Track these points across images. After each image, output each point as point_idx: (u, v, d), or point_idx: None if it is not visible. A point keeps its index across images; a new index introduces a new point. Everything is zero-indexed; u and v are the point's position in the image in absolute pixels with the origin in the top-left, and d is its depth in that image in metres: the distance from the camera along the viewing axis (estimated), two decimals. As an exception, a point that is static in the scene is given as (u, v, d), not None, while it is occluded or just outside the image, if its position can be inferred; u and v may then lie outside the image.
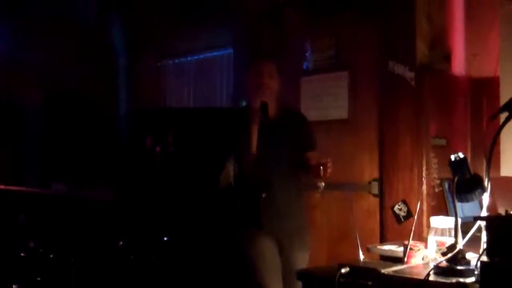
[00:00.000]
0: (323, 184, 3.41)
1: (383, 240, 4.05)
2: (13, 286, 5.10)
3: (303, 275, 3.20)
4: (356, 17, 4.41)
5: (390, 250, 3.19)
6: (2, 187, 6.52)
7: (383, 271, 2.76)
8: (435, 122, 4.08)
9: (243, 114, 3.52)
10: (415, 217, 3.15)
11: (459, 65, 4.21)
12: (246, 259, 3.61)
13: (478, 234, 2.72)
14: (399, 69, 4.06)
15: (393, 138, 4.15)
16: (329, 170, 3.44)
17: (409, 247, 2.98)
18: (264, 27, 5.03)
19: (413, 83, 4.02)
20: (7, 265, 5.31)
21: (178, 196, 3.91)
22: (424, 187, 3.96)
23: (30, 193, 6.21)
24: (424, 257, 3.00)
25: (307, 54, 4.72)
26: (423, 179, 3.99)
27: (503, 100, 3.74)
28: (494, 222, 2.45)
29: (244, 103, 4.91)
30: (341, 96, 4.52)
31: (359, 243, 3.15)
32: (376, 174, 4.31)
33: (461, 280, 2.52)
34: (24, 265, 5.22)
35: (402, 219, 3.84)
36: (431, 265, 2.71)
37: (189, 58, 6.23)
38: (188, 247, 4.09)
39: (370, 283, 2.77)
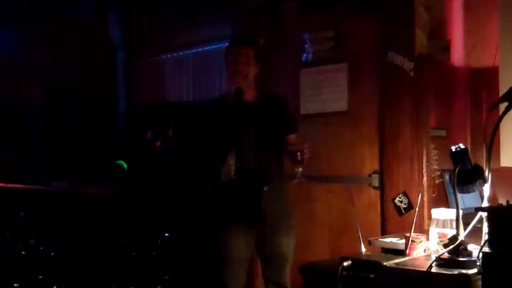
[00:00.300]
0: (301, 169, 3.40)
1: (384, 233, 4.05)
2: (14, 285, 5.09)
3: (305, 268, 3.20)
4: (355, 8, 4.39)
5: (391, 242, 3.19)
6: (2, 185, 6.52)
7: (385, 263, 2.76)
8: (435, 113, 4.07)
9: (242, 107, 3.51)
10: (416, 209, 3.14)
11: (458, 56, 4.20)
12: (213, 252, 3.66)
13: (479, 225, 2.72)
14: (398, 59, 4.04)
15: (393, 129, 4.13)
16: (305, 156, 3.42)
17: (410, 239, 2.98)
18: (263, 19, 5.01)
19: (412, 73, 4.00)
20: (8, 263, 5.30)
21: (179, 191, 3.89)
22: (425, 178, 3.96)
23: (30, 190, 6.20)
24: (426, 249, 3.00)
25: (306, 46, 4.71)
26: (424, 170, 3.98)
27: (503, 90, 3.72)
28: (496, 213, 2.45)
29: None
30: (341, 88, 4.50)
31: (360, 236, 3.15)
32: (376, 167, 4.30)
33: (463, 271, 2.51)
34: (25, 263, 5.22)
35: (403, 211, 3.82)
36: (433, 257, 2.71)
37: (187, 52, 6.20)
38: (190, 243, 4.08)
39: (372, 275, 2.77)
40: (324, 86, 4.63)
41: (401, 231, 3.38)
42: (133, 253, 4.87)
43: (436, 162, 4.03)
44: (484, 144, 3.67)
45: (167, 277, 4.67)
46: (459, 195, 2.75)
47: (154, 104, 4.99)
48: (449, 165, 3.06)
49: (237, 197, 3.44)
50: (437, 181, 4.04)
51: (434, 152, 4.04)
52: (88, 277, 5.03)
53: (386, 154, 4.20)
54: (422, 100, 4.01)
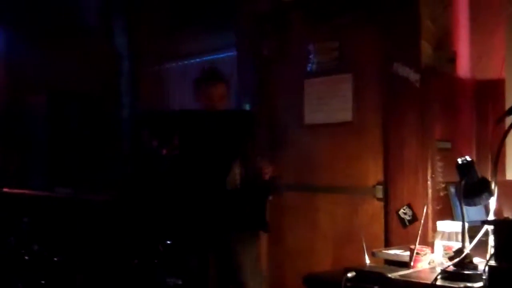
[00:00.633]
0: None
1: (387, 245, 4.02)
2: (17, 290, 5.10)
3: (309, 279, 3.19)
4: (360, 19, 4.38)
5: (395, 254, 3.18)
6: (7, 190, 6.52)
7: (389, 275, 2.74)
8: (440, 124, 4.05)
9: (248, 116, 3.53)
10: (422, 221, 3.13)
11: (464, 67, 4.18)
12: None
13: (484, 239, 2.70)
14: (404, 71, 4.03)
15: (397, 141, 4.12)
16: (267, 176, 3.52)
17: (415, 251, 2.97)
18: (267, 29, 5.01)
19: (418, 85, 3.99)
20: (11, 268, 5.31)
21: (183, 199, 3.90)
22: (430, 191, 3.93)
23: (34, 196, 6.20)
24: (430, 261, 2.99)
25: (310, 56, 4.70)
26: (428, 182, 3.96)
27: (509, 102, 3.73)
28: (502, 226, 2.44)
29: (247, 106, 4.93)
30: (345, 99, 4.49)
31: (365, 248, 3.13)
32: (380, 178, 4.28)
33: (469, 284, 2.50)
34: (28, 268, 5.22)
35: (407, 223, 3.80)
36: (438, 270, 2.70)
37: (191, 61, 6.21)
38: (192, 250, 4.08)
39: (376, 287, 2.76)
40: (328, 96, 4.62)
41: (405, 243, 3.37)
42: (135, 260, 4.87)
43: (441, 174, 4.01)
44: (489, 157, 3.69)
45: (169, 284, 4.66)
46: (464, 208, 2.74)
47: (158, 112, 4.99)
48: (454, 178, 3.05)
49: (242, 206, 3.45)
50: (441, 194, 4.02)
51: (439, 164, 4.01)
52: (91, 284, 5.02)
53: (390, 165, 4.18)
54: (427, 112, 3.99)
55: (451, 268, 2.63)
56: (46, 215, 5.85)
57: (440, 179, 4.00)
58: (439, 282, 2.56)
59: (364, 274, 2.86)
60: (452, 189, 3.87)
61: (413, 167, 4.01)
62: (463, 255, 2.63)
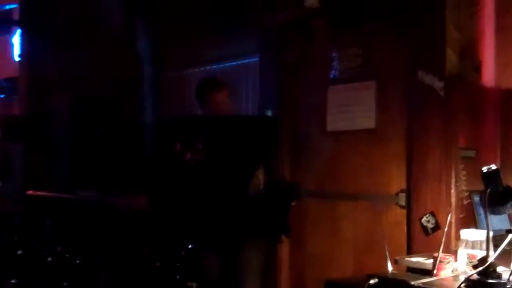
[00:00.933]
0: None
1: (409, 253, 4.01)
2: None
3: (331, 284, 3.19)
4: (385, 26, 4.38)
5: (418, 262, 3.17)
6: (31, 192, 6.58)
7: (412, 282, 2.74)
8: (464, 133, 4.03)
9: (272, 122, 3.55)
10: (445, 229, 3.12)
11: (489, 76, 4.15)
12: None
13: (509, 248, 2.69)
14: (429, 79, 4.01)
15: (421, 149, 4.10)
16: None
17: (439, 259, 2.96)
18: (290, 36, 5.02)
19: (442, 93, 3.97)
20: (34, 269, 5.35)
21: (206, 203, 3.92)
22: (453, 199, 3.92)
23: (58, 198, 6.25)
24: (454, 269, 2.98)
25: (334, 63, 4.70)
26: (452, 191, 3.94)
27: (534, 111, 3.71)
28: (527, 236, 2.43)
29: (269, 112, 4.94)
30: (369, 106, 4.48)
31: (388, 255, 3.13)
32: (403, 186, 4.27)
33: (493, 293, 2.49)
34: (51, 270, 5.26)
35: (430, 231, 3.80)
36: (462, 278, 2.69)
37: (214, 67, 6.23)
38: (214, 255, 4.10)
39: (399, 294, 2.76)
40: (351, 103, 4.62)
41: (427, 251, 3.36)
42: (157, 263, 4.89)
43: (465, 183, 3.99)
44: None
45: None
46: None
47: (182, 117, 5.02)
48: (478, 186, 3.04)
49: (265, 211, 3.46)
50: (465, 202, 4.00)
51: (462, 172, 3.99)
52: (113, 286, 5.05)
53: (413, 173, 4.16)
54: (452, 120, 3.98)
55: (475, 276, 2.62)
56: (69, 217, 5.90)
57: (464, 187, 3.98)
58: (462, 291, 2.55)
59: (386, 281, 2.86)
60: (476, 198, 3.84)
61: (436, 175, 3.99)
62: (487, 263, 2.61)
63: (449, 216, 3.18)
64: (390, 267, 3.16)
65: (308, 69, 4.93)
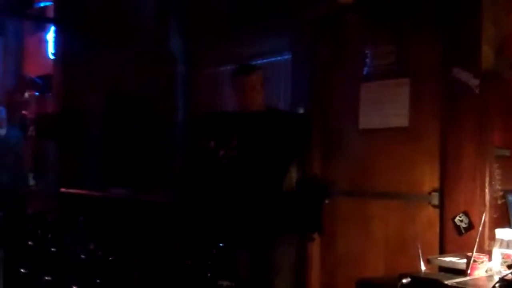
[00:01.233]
0: None
1: (442, 252, 3.95)
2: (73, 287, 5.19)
3: (362, 283, 3.16)
4: (419, 22, 4.33)
5: (451, 261, 3.13)
6: (64, 190, 6.66)
7: (446, 282, 2.70)
8: (499, 131, 3.96)
9: (306, 120, 3.55)
10: (480, 229, 3.06)
11: (526, 73, 4.08)
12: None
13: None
14: (464, 76, 3.95)
15: (455, 147, 4.04)
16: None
17: (473, 259, 2.91)
18: (323, 32, 4.99)
19: (477, 90, 3.90)
20: (67, 266, 5.40)
21: (239, 200, 3.92)
22: (487, 198, 3.85)
23: (91, 196, 6.31)
24: (488, 269, 2.93)
25: (367, 60, 4.66)
26: (486, 190, 3.88)
27: None
28: None
29: (301, 109, 4.92)
30: (402, 103, 4.43)
31: (421, 254, 3.09)
32: (436, 185, 4.21)
33: (528, 294, 2.44)
34: (84, 267, 5.31)
35: (463, 231, 3.75)
36: (496, 278, 2.65)
37: (246, 64, 6.22)
38: (246, 252, 4.10)
39: (432, 294, 2.72)
40: (384, 101, 4.57)
41: (460, 251, 3.31)
42: (189, 261, 4.90)
43: (499, 182, 3.92)
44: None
45: (220, 286, 4.68)
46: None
47: (215, 114, 5.03)
48: (514, 185, 2.98)
49: (298, 208, 3.46)
50: (499, 202, 3.93)
51: (497, 171, 3.93)
52: (145, 283, 5.07)
53: (447, 172, 4.10)
54: (487, 118, 3.91)
55: (510, 276, 2.57)
56: (102, 214, 5.95)
57: (498, 186, 3.91)
58: (497, 291, 2.50)
59: (419, 281, 2.83)
60: (511, 197, 3.77)
61: (470, 174, 3.93)
62: (523, 263, 2.56)
63: (483, 215, 3.12)
64: (422, 267, 3.12)
65: (341, 66, 4.89)
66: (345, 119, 4.81)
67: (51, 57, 8.72)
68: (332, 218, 4.71)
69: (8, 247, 5.72)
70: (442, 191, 4.15)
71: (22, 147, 7.79)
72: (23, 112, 9.25)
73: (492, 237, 3.13)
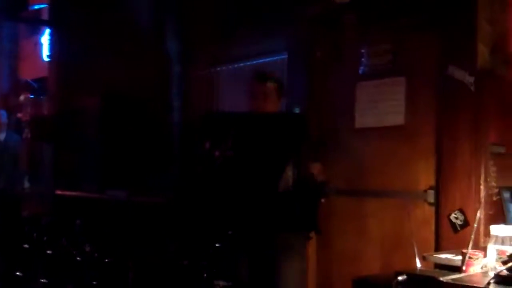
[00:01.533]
0: None
1: (437, 249, 3.97)
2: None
3: (358, 281, 3.16)
4: (415, 21, 4.33)
5: (447, 258, 3.13)
6: (59, 192, 6.64)
7: (441, 279, 2.70)
8: (495, 128, 3.97)
9: (302, 119, 3.55)
10: (475, 225, 3.07)
11: (521, 71, 4.09)
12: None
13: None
14: (459, 74, 3.95)
15: (450, 145, 4.05)
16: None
17: (468, 255, 2.91)
18: (319, 32, 4.99)
19: (472, 88, 3.91)
20: (64, 269, 5.39)
21: (235, 201, 3.92)
22: (482, 195, 3.85)
23: (87, 198, 6.29)
24: (483, 266, 2.93)
25: (363, 59, 4.66)
26: (481, 187, 3.88)
27: None
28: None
29: (297, 109, 4.92)
30: (398, 102, 4.44)
31: (416, 251, 3.09)
32: (432, 182, 4.22)
33: (523, 289, 2.44)
34: (80, 269, 5.29)
35: (459, 228, 3.74)
36: (491, 274, 2.65)
37: (242, 64, 6.21)
38: (242, 252, 4.09)
39: (427, 291, 2.72)
40: (380, 99, 4.58)
41: (455, 248, 3.31)
42: (185, 261, 4.89)
43: (494, 179, 3.93)
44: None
45: (216, 286, 4.67)
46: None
47: (211, 114, 5.03)
48: (508, 182, 2.99)
49: (294, 208, 3.45)
50: (494, 198, 3.94)
51: (492, 168, 3.93)
52: (141, 284, 5.06)
53: (443, 169, 4.11)
54: (482, 116, 3.92)
55: (505, 272, 2.57)
56: (98, 217, 5.93)
57: (493, 183, 3.92)
58: (492, 286, 2.52)
59: (415, 278, 2.83)
60: (506, 194, 3.79)
61: (466, 172, 3.94)
62: (518, 259, 2.57)
63: (479, 212, 3.12)
64: (418, 264, 3.12)
65: (337, 65, 4.90)
66: (341, 118, 4.82)
67: (46, 59, 8.70)
68: (328, 216, 4.71)
69: (4, 250, 5.71)
70: (437, 188, 4.16)
71: (19, 150, 7.77)
72: (18, 115, 9.23)
73: (487, 234, 3.13)
